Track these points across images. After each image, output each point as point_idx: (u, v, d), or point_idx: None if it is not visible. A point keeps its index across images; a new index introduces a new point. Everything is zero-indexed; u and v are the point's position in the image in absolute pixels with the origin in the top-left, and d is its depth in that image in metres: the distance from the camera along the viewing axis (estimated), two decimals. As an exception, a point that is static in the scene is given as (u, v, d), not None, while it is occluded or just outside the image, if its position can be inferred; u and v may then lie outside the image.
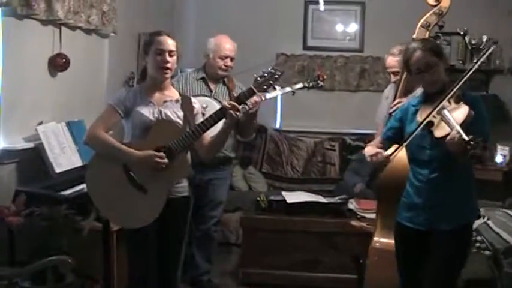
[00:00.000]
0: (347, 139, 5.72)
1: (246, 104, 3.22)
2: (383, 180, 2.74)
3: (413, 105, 2.55)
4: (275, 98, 3.66)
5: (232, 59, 3.66)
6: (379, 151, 2.50)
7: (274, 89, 3.10)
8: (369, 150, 2.56)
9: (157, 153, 2.56)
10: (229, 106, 2.63)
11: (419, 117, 2.44)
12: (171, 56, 2.69)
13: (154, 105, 2.73)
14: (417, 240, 2.51)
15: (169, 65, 2.69)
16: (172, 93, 2.81)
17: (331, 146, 5.71)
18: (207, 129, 2.68)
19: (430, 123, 2.36)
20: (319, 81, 3.51)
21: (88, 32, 3.89)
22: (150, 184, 2.59)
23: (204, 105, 3.14)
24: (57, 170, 3.22)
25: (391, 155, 2.45)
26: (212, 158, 2.90)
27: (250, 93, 2.70)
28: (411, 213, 2.52)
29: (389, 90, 3.72)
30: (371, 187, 3.32)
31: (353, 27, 5.95)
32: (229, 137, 2.86)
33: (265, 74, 2.68)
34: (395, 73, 3.57)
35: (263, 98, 3.40)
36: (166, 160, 2.57)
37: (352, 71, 5.91)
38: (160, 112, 2.72)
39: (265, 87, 2.70)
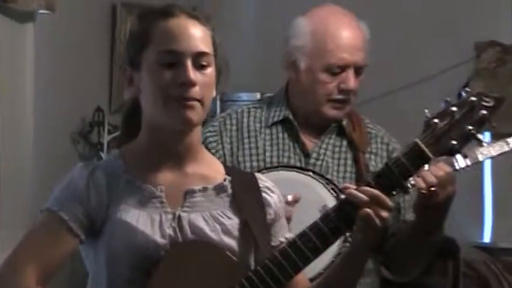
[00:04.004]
0: None
1: (407, 190, 2.85)
2: None
3: None
4: (475, 166, 3.35)
5: (359, 71, 3.28)
6: None
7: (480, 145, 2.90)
8: None
9: None
10: (364, 198, 2.39)
11: None
12: (201, 66, 2.42)
13: (163, 202, 2.44)
14: None
15: (195, 93, 2.39)
16: (208, 168, 2.57)
17: None
18: (309, 261, 2.45)
19: None
20: None
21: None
22: None
23: (290, 197, 2.98)
24: None
25: None
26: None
27: (417, 159, 2.45)
28: None
29: None
30: None
31: None
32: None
33: (454, 109, 2.42)
34: None
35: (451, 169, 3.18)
36: None
37: None
38: (180, 220, 2.44)
39: (454, 143, 2.41)
